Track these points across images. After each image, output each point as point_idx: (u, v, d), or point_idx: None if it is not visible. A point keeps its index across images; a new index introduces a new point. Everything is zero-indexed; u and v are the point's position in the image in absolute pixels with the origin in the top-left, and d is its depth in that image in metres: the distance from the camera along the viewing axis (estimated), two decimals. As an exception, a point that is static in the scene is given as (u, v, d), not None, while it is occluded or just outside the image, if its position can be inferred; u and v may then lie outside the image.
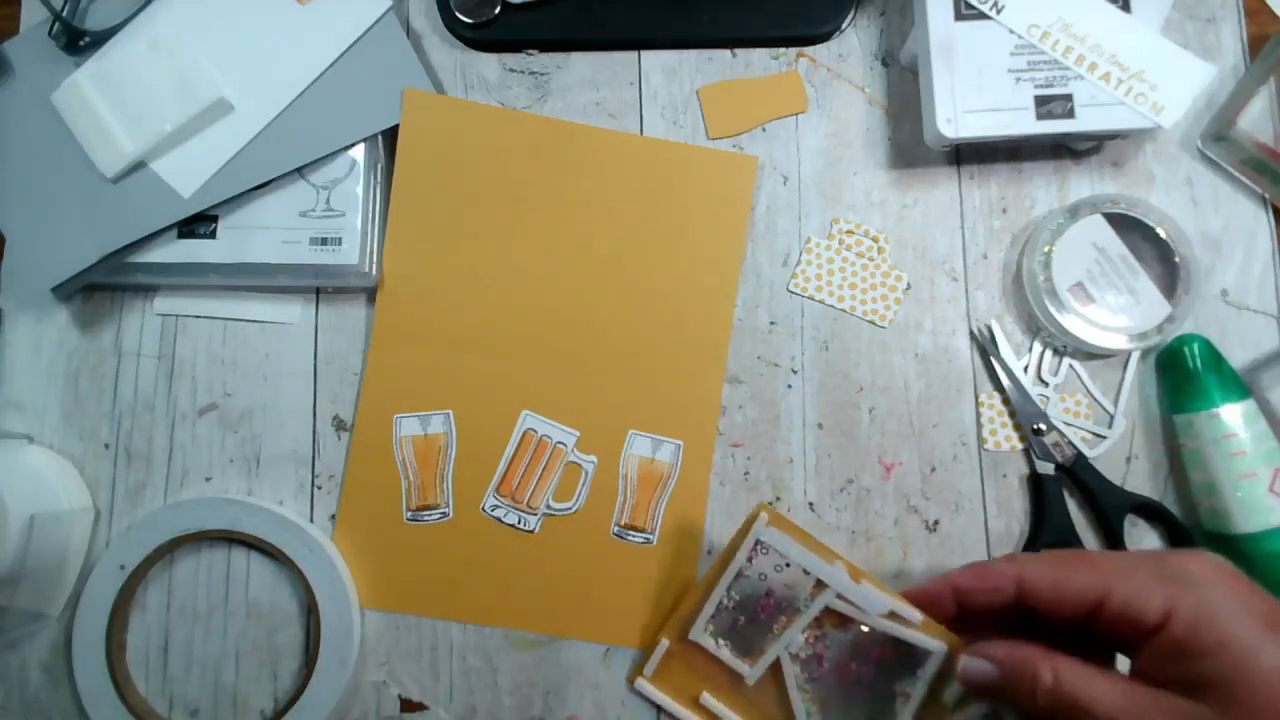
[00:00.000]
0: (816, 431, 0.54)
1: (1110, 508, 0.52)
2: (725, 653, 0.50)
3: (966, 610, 0.43)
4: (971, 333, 0.55)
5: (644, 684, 0.51)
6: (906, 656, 0.46)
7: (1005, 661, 0.41)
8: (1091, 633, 0.39)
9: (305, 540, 0.52)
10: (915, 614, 0.45)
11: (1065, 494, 0.53)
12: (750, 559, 0.49)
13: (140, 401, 0.56)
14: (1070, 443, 0.52)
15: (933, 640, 0.45)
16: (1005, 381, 0.53)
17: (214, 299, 0.56)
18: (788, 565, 0.48)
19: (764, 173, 0.57)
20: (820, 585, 0.47)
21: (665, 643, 0.51)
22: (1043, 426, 0.53)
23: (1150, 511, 0.52)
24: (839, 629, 0.48)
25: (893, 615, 0.46)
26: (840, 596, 0.47)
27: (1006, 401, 0.54)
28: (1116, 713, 0.37)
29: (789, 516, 0.53)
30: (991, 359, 0.54)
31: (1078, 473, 0.52)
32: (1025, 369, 0.54)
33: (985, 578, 0.42)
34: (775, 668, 0.49)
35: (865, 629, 0.47)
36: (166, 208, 0.54)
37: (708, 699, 0.50)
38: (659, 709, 0.52)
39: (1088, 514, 0.53)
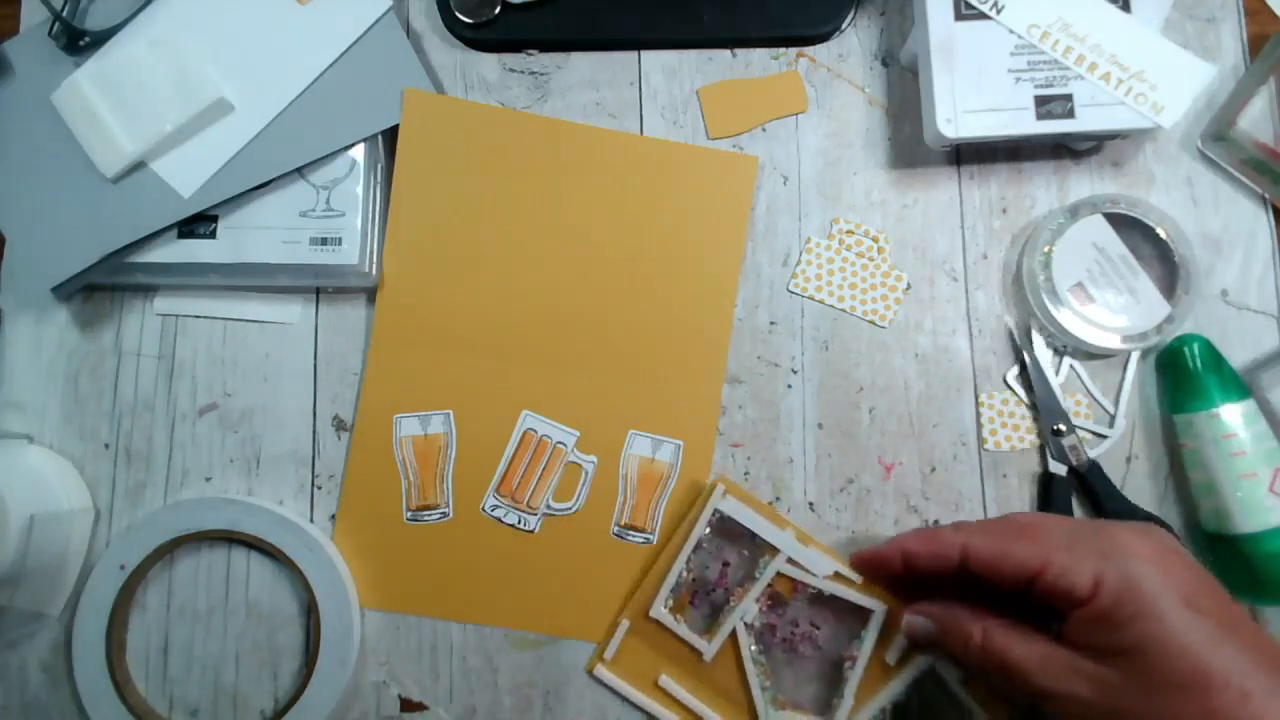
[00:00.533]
0: (816, 431, 0.54)
1: (1114, 517, 0.52)
2: (684, 629, 0.51)
3: (913, 571, 0.46)
4: (1009, 329, 0.54)
5: (603, 671, 0.52)
6: (851, 620, 0.51)
7: (941, 619, 0.45)
8: (1031, 598, 0.42)
9: (305, 540, 0.52)
10: (856, 576, 0.50)
11: (1072, 497, 0.53)
12: (708, 529, 0.52)
13: (140, 401, 0.56)
14: (1086, 449, 0.52)
15: (874, 600, 0.50)
16: (1034, 379, 0.53)
17: (214, 299, 0.56)
18: (742, 534, 0.52)
19: (764, 173, 0.57)
20: (772, 552, 0.51)
21: (626, 623, 0.52)
22: (1063, 428, 0.53)
23: None
24: (790, 596, 0.52)
25: (838, 577, 0.51)
26: (790, 561, 0.51)
27: (1031, 393, 0.53)
28: (1033, 668, 0.41)
29: (789, 516, 0.53)
30: (1024, 354, 0.54)
31: (1089, 478, 0.52)
32: (1023, 371, 0.54)
33: (932, 543, 0.45)
34: (731, 645, 0.51)
35: (814, 591, 0.51)
36: (166, 208, 0.54)
37: (666, 681, 0.51)
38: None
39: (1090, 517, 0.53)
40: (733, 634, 0.51)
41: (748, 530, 0.51)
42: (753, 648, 0.51)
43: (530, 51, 0.58)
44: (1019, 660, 0.41)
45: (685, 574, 0.52)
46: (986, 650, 0.43)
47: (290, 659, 0.53)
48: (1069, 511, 0.52)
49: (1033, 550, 0.41)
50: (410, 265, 0.55)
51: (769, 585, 0.51)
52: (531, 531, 0.54)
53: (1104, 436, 0.54)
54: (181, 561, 0.54)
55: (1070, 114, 0.51)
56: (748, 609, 0.51)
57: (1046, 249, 0.53)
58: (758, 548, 0.52)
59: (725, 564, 0.52)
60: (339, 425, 0.55)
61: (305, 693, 0.51)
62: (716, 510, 0.52)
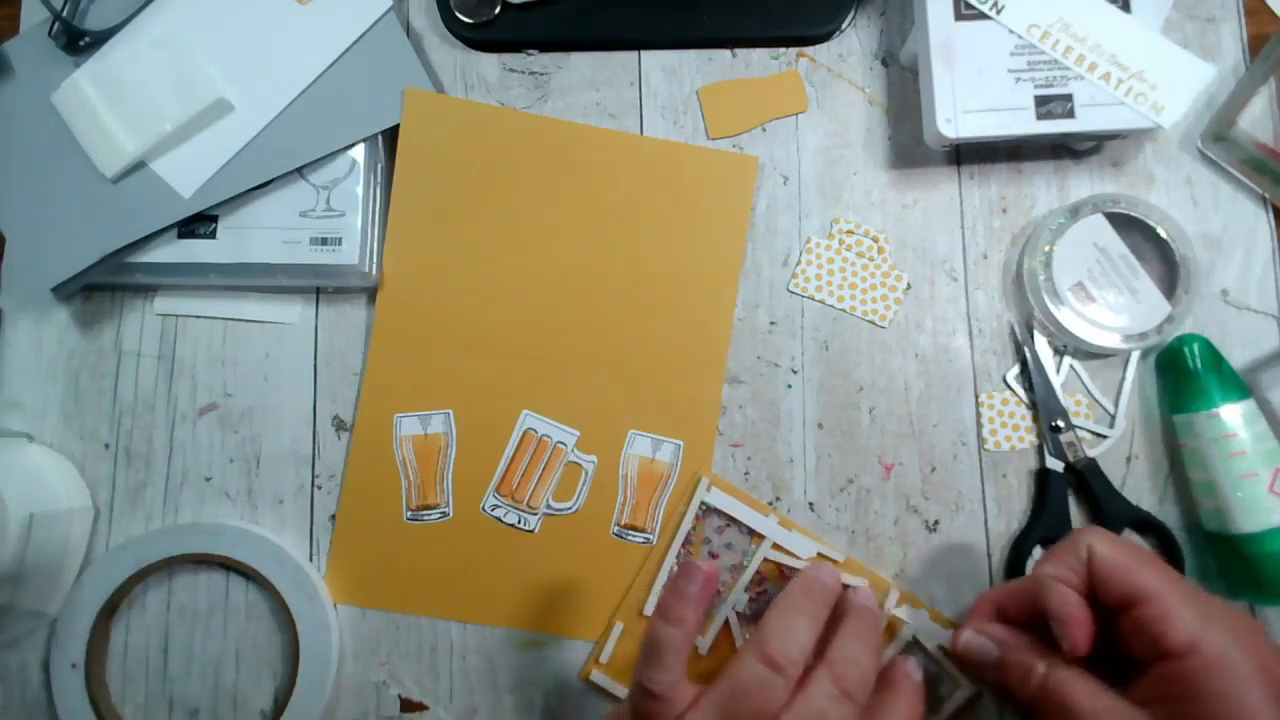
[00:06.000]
0: (816, 431, 0.54)
1: (1110, 517, 0.52)
2: None
3: (1004, 610, 0.47)
4: (1009, 328, 0.54)
5: (600, 675, 0.52)
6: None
7: (1008, 645, 0.44)
8: (1117, 635, 0.41)
9: (276, 555, 0.52)
10: (838, 554, 0.52)
11: (1069, 495, 0.53)
12: (696, 523, 0.53)
13: (140, 401, 0.56)
14: (1084, 446, 0.52)
15: (856, 578, 0.52)
16: (1034, 374, 0.53)
17: (214, 299, 0.56)
18: (728, 525, 0.53)
19: (764, 173, 0.57)
20: (758, 539, 0.52)
21: (620, 625, 0.52)
22: (1061, 424, 0.53)
23: (1147, 527, 0.52)
24: (777, 582, 0.52)
25: (820, 557, 0.52)
26: (776, 546, 0.52)
27: (1030, 392, 0.53)
28: (1092, 714, 0.39)
29: (789, 516, 0.53)
30: (1025, 350, 0.54)
31: (1086, 476, 0.52)
32: (1024, 368, 0.54)
33: (1061, 546, 0.44)
34: (726, 637, 0.52)
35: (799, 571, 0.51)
36: (166, 208, 0.54)
37: None
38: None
39: (1087, 517, 0.53)
40: (726, 625, 0.52)
41: (734, 521, 0.53)
42: (745, 636, 0.52)
43: (530, 51, 0.58)
44: (1079, 702, 0.40)
45: (675, 569, 0.52)
46: (1047, 685, 0.42)
47: (290, 659, 0.53)
48: (1064, 509, 0.52)
49: (1153, 580, 0.40)
50: (410, 265, 0.55)
51: (757, 572, 0.52)
52: (531, 531, 0.54)
53: (1104, 436, 0.54)
54: (177, 572, 0.54)
55: (1070, 114, 0.51)
56: (738, 598, 0.52)
57: (1047, 248, 0.53)
58: (744, 537, 0.53)
59: (714, 555, 0.53)
60: (339, 425, 0.55)
61: (291, 701, 0.51)
62: (703, 503, 0.53)
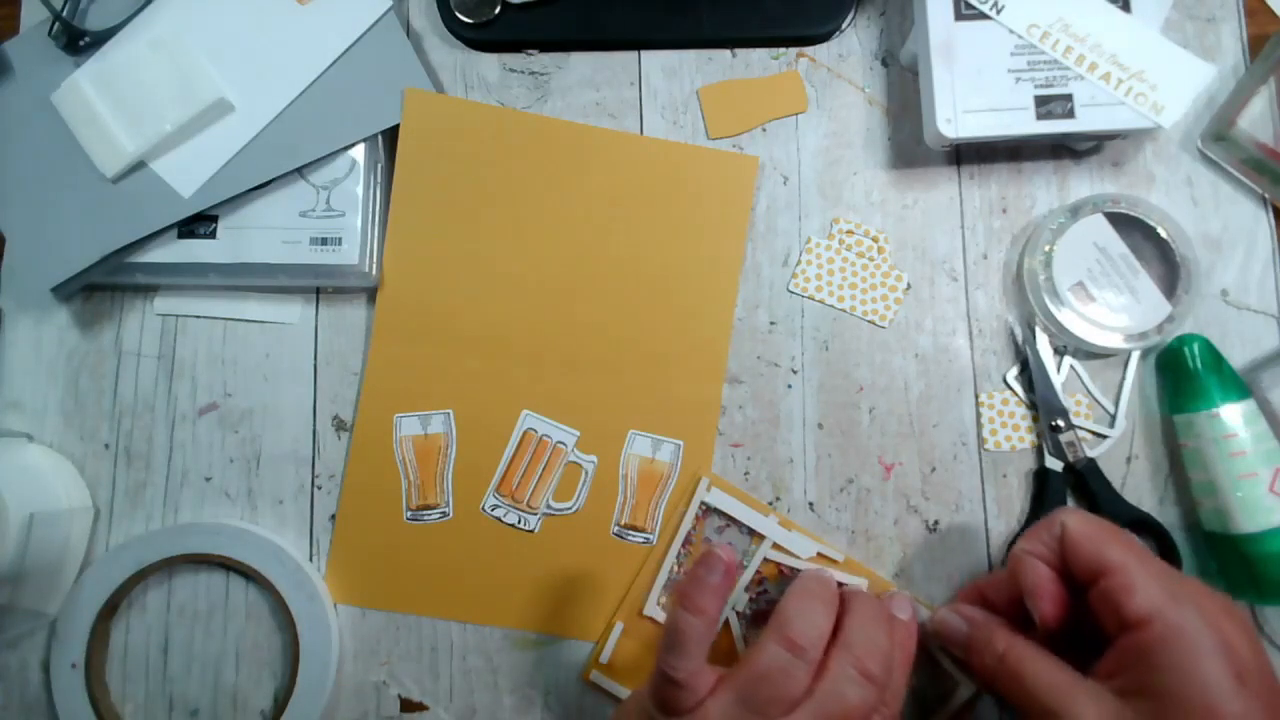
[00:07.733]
0: (816, 431, 0.54)
1: (1110, 517, 0.51)
2: None
3: (987, 598, 0.49)
4: (1009, 328, 0.54)
5: (600, 676, 0.52)
6: None
7: (974, 622, 0.46)
8: (1087, 608, 0.42)
9: (277, 555, 0.52)
10: (838, 554, 0.52)
11: (1067, 494, 0.53)
12: (696, 523, 0.53)
13: (140, 401, 0.56)
14: (1083, 446, 0.52)
15: (856, 578, 0.52)
16: (1035, 374, 0.53)
17: (214, 299, 0.56)
18: (728, 525, 0.53)
19: (764, 173, 0.57)
20: (758, 539, 0.52)
21: (621, 625, 0.52)
22: (1061, 424, 0.53)
23: (1146, 527, 0.52)
24: (777, 582, 0.52)
25: (820, 557, 0.52)
26: (776, 546, 0.52)
27: (1030, 391, 0.53)
28: (1047, 691, 0.40)
29: (789, 516, 0.53)
30: (1025, 349, 0.54)
31: (1085, 476, 0.52)
32: (1024, 368, 0.54)
33: (1037, 527, 0.45)
34: (726, 637, 0.52)
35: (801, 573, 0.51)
36: (166, 208, 0.54)
37: None
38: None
39: (1086, 515, 0.53)
40: (726, 625, 0.52)
41: (734, 520, 0.53)
42: (745, 636, 0.52)
43: (530, 51, 0.58)
44: (1033, 674, 0.41)
45: (676, 569, 0.52)
46: (1005, 660, 0.42)
47: (290, 659, 0.53)
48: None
49: (1120, 552, 0.41)
50: (410, 265, 0.55)
51: (757, 572, 0.52)
52: (531, 531, 0.54)
53: (1104, 436, 0.54)
54: (177, 572, 0.54)
55: (1070, 114, 0.51)
56: (738, 598, 0.52)
57: (1047, 248, 0.53)
58: (744, 537, 0.53)
59: None
60: (339, 425, 0.55)
61: (291, 701, 0.51)
62: (703, 503, 0.53)
